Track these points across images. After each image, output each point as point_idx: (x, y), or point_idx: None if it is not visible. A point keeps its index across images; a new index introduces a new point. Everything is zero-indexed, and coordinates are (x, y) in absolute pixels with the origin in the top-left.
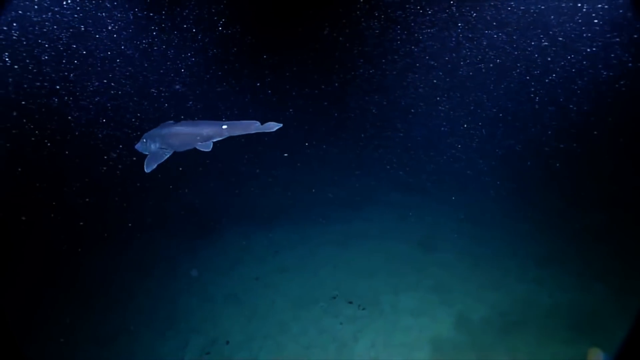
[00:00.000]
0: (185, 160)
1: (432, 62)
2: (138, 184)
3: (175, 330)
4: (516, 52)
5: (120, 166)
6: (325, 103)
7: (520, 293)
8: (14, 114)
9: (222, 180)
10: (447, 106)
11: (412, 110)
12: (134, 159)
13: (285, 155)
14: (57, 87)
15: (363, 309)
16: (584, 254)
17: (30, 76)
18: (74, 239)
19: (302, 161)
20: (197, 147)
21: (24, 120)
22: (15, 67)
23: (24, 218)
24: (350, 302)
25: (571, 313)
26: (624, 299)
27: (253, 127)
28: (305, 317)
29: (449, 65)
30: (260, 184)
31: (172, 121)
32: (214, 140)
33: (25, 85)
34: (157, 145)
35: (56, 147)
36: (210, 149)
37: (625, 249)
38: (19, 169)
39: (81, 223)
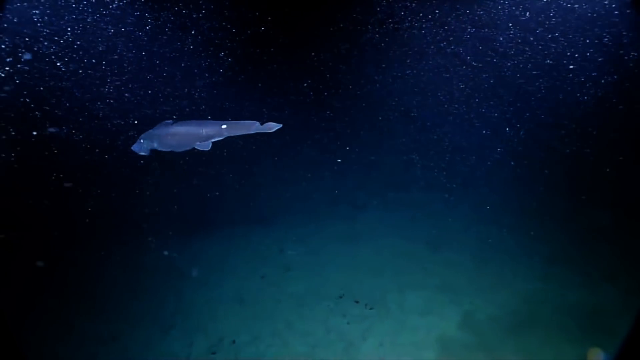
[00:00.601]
0: (191, 159)
1: (477, 64)
2: (139, 180)
3: (179, 329)
4: (576, 54)
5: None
6: (364, 104)
7: (528, 292)
8: (38, 115)
9: (228, 179)
10: (489, 108)
11: (454, 112)
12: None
13: (339, 161)
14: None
15: (370, 308)
16: (591, 254)
17: (66, 78)
18: (77, 238)
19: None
20: (196, 147)
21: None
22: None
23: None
24: (357, 302)
25: (579, 312)
26: (631, 299)
27: (253, 127)
28: (311, 316)
29: (494, 67)
30: (266, 183)
31: (170, 120)
32: (214, 140)
33: (70, 92)
34: (155, 145)
35: (86, 149)
36: (209, 149)
37: (633, 248)
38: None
39: (88, 222)
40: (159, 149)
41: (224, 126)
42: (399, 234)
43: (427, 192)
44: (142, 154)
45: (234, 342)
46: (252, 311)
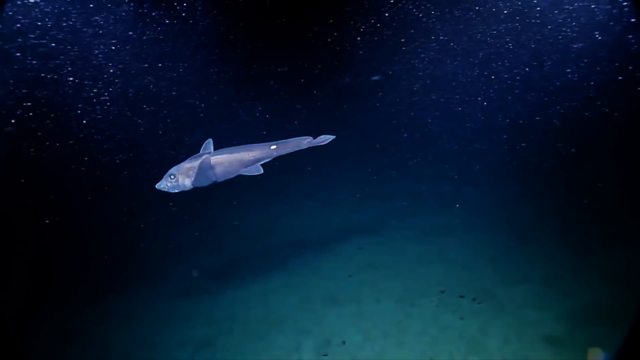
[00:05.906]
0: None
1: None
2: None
3: (279, 331)
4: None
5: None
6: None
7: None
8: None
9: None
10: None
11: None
12: None
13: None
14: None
15: (479, 302)
16: None
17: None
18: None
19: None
20: (245, 173)
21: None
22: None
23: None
24: (462, 296)
25: None
26: None
27: (304, 142)
28: (419, 314)
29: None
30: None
31: (209, 151)
32: (262, 162)
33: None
34: (192, 179)
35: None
36: (262, 172)
37: None
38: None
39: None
40: (197, 183)
41: (273, 147)
42: (484, 228)
43: (497, 185)
44: (175, 191)
45: (344, 342)
46: (351, 311)
